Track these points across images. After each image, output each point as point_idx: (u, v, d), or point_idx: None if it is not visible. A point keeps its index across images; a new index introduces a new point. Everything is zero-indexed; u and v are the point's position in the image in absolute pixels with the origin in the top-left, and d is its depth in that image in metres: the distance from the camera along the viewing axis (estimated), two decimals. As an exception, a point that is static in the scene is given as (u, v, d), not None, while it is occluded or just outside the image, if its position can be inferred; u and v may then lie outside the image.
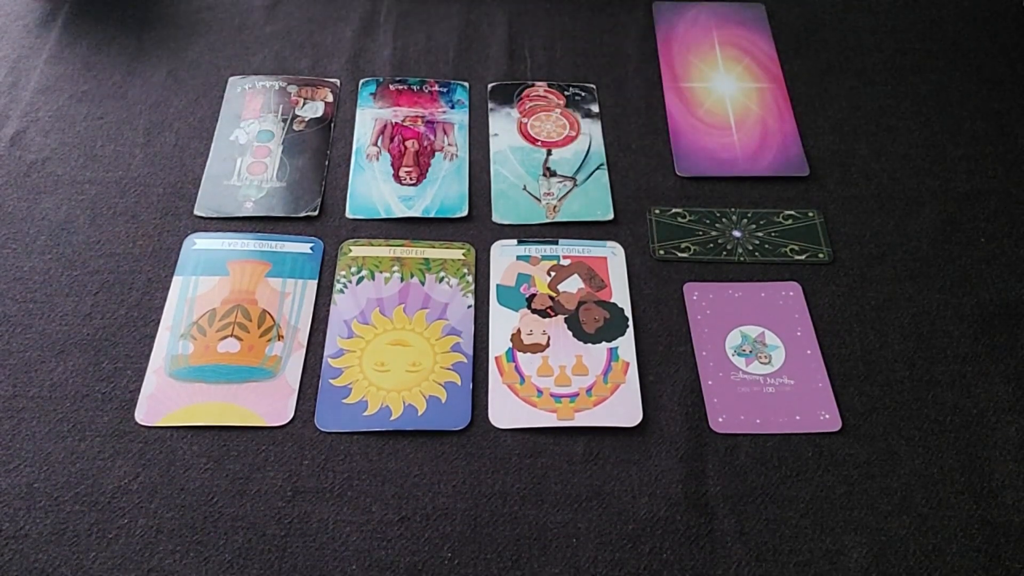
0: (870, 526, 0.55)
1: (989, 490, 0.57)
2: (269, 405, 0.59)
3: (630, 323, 0.64)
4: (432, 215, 0.69)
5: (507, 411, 0.59)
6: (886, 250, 0.69)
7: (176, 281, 0.65)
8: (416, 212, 0.70)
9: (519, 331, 0.63)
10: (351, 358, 0.61)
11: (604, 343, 0.63)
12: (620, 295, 0.66)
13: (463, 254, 0.67)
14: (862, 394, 0.61)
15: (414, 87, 0.79)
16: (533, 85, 0.80)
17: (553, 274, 0.66)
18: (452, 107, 0.77)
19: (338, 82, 0.79)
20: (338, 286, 0.65)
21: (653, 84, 0.80)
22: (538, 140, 0.75)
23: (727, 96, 0.79)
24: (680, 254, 0.68)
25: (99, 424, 0.58)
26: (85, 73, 0.78)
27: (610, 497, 0.56)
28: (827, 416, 0.59)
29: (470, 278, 0.66)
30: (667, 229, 0.70)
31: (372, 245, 0.67)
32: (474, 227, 0.69)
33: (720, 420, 0.59)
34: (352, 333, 0.63)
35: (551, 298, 0.65)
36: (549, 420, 0.59)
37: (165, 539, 0.53)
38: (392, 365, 0.61)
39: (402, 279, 0.66)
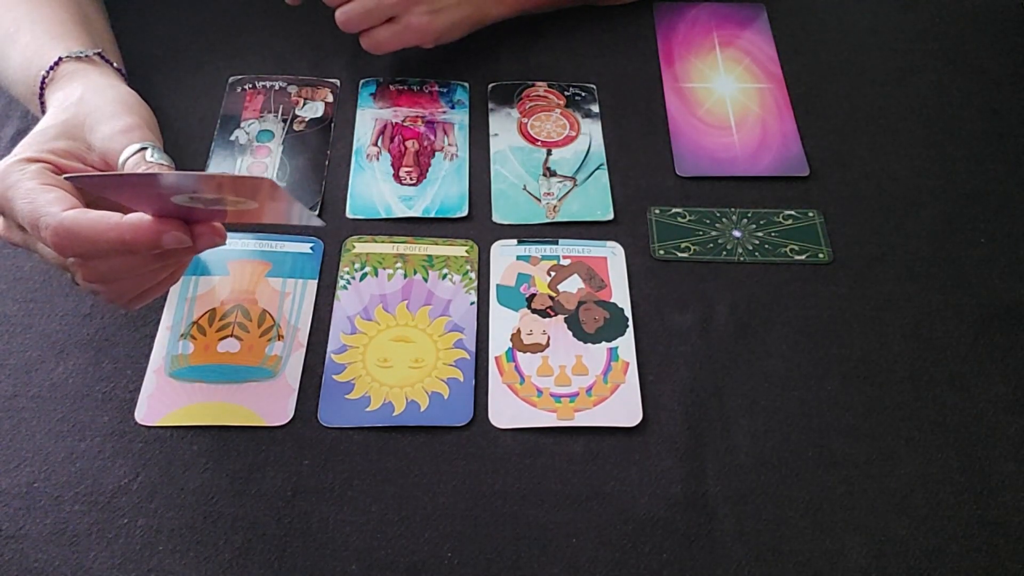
0: (870, 526, 0.55)
1: (989, 490, 0.57)
2: (269, 405, 0.59)
3: (630, 323, 0.64)
4: (432, 215, 0.69)
5: (507, 411, 0.59)
6: (886, 250, 0.69)
7: (176, 281, 0.65)
8: (416, 212, 0.69)
9: (519, 331, 0.63)
10: (354, 354, 0.61)
11: (604, 343, 0.63)
12: (620, 295, 0.66)
13: (466, 251, 0.67)
14: (862, 394, 0.61)
15: (414, 87, 0.79)
16: (533, 85, 0.80)
17: (553, 274, 0.66)
18: (452, 107, 0.77)
19: (338, 82, 0.79)
20: (341, 282, 0.65)
21: (653, 84, 0.80)
22: (538, 140, 0.75)
23: (727, 96, 0.79)
24: (680, 254, 0.68)
25: (99, 424, 0.58)
26: (85, 73, 0.78)
27: (610, 497, 0.56)
28: None
29: (473, 275, 0.66)
30: (667, 229, 0.70)
31: (376, 242, 0.67)
32: (474, 227, 0.69)
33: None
34: (355, 329, 0.63)
35: (551, 298, 0.65)
36: (549, 420, 0.59)
37: (165, 539, 0.53)
38: (395, 361, 0.61)
39: (405, 275, 0.66)
